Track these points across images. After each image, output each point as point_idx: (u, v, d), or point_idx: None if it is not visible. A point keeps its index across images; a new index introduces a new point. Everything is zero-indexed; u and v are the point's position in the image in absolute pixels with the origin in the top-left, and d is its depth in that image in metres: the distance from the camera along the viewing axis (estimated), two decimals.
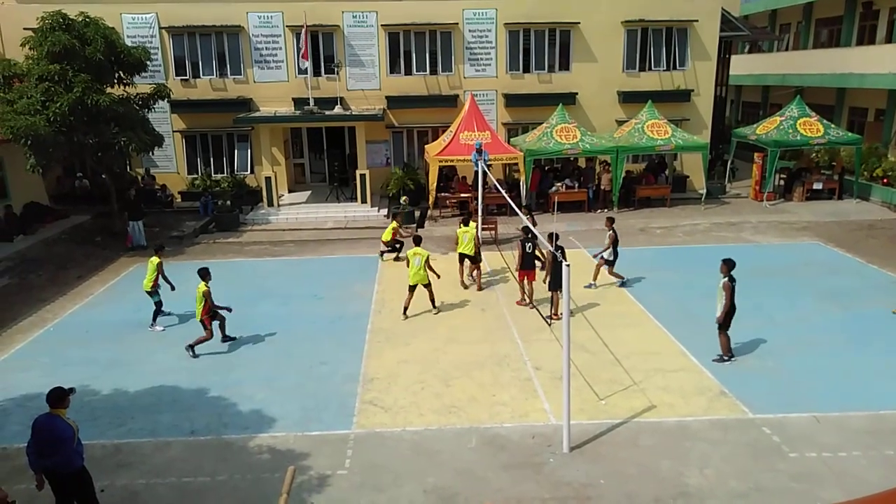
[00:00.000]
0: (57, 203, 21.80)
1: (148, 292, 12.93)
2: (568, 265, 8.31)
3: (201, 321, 11.60)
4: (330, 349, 11.91)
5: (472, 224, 15.00)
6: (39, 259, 17.24)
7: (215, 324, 11.95)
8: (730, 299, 10.70)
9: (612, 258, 14.59)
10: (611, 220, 14.74)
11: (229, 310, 12.06)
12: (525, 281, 13.72)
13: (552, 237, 12.41)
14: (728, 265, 10.78)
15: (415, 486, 8.07)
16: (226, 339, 12.22)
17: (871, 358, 11.09)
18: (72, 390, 7.21)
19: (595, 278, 14.79)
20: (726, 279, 10.74)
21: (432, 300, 13.54)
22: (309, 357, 11.62)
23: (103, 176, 19.62)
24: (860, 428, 9.08)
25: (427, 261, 13.28)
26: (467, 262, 15.02)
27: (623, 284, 14.82)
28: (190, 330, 12.78)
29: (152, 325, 13.02)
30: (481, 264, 15.27)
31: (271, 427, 9.41)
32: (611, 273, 14.79)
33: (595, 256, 14.79)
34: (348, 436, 9.17)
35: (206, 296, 11.51)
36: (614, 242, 14.47)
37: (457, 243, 15.09)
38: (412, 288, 13.31)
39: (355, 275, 16.10)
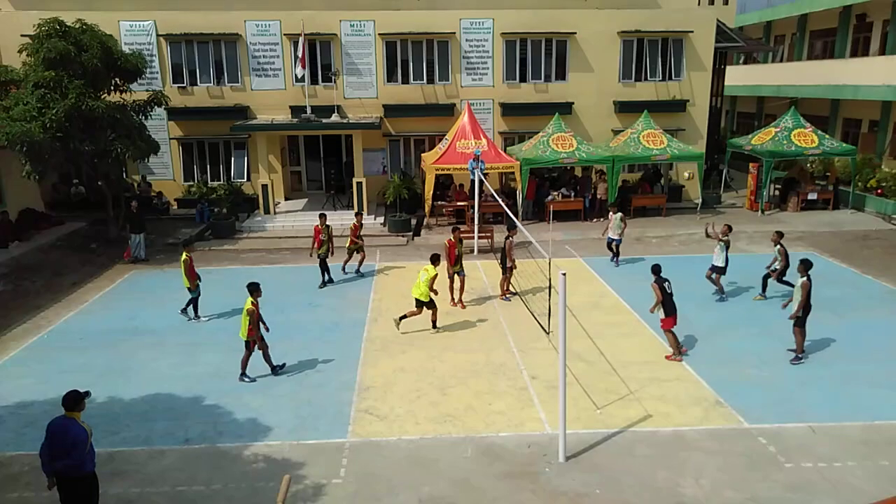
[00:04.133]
0: (53, 210, 21.76)
1: (188, 289, 13.45)
2: (564, 273, 8.32)
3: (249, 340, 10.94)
4: (326, 357, 11.88)
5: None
6: (34, 266, 17.18)
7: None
8: (806, 297, 11.16)
9: (780, 268, 14.43)
10: (780, 234, 14.48)
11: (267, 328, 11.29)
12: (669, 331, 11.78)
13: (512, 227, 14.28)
14: (805, 265, 11.33)
15: (410, 496, 8.04)
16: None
17: (866, 368, 11.11)
18: (87, 394, 7.21)
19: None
20: (805, 279, 11.19)
21: (406, 315, 12.98)
22: (304, 365, 11.59)
23: (99, 183, 19.59)
24: (855, 438, 9.10)
25: (432, 282, 12.59)
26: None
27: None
28: (190, 338, 12.76)
29: (195, 316, 13.64)
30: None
31: (266, 435, 9.38)
32: (779, 280, 14.52)
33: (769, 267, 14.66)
34: (344, 444, 9.13)
35: (251, 313, 10.76)
36: (786, 256, 14.24)
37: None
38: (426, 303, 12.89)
39: (351, 283, 16.09)
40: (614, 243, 17.13)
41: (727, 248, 14.47)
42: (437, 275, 12.80)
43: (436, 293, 13.02)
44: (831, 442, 9.02)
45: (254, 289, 10.99)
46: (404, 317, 12.95)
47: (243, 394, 10.57)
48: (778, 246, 14.22)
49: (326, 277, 15.92)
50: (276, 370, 11.24)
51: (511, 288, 14.92)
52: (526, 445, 9.06)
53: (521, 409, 10.05)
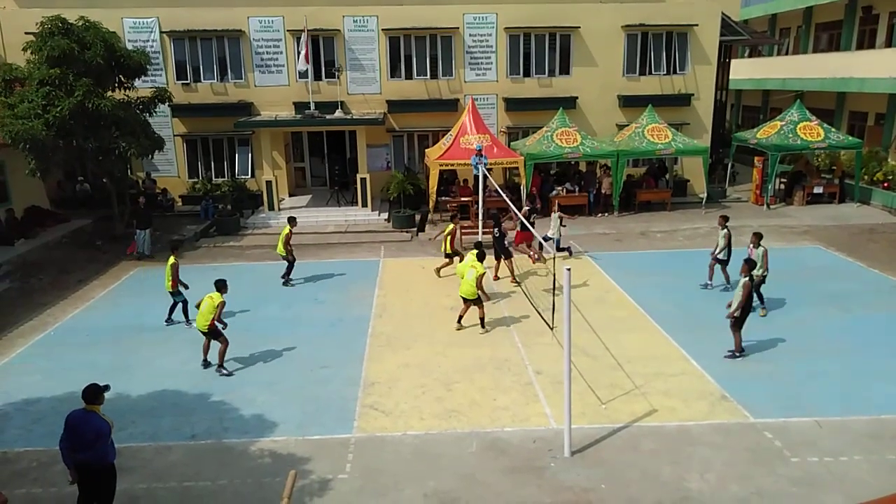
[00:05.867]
0: (58, 207, 21.81)
1: (171, 293, 13.22)
2: (568, 269, 8.30)
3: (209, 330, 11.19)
4: (331, 353, 11.91)
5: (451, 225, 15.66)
6: (40, 263, 17.25)
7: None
8: (747, 297, 11.01)
9: (726, 258, 14.43)
10: (724, 218, 14.53)
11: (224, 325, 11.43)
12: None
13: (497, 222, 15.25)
14: (749, 265, 11.27)
15: (415, 491, 8.06)
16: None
17: (872, 362, 11.07)
18: (107, 387, 7.28)
19: (710, 278, 14.72)
20: (746, 279, 11.05)
21: (481, 319, 12.83)
22: (310, 361, 11.62)
23: (104, 180, 19.64)
24: (862, 432, 9.07)
25: (480, 279, 12.50)
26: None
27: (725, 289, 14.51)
28: (195, 335, 12.78)
29: (187, 322, 13.27)
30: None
31: (272, 431, 9.41)
32: (724, 272, 14.61)
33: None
34: (349, 440, 9.16)
35: (221, 305, 11.13)
36: (729, 241, 14.15)
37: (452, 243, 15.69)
38: (465, 300, 12.73)
39: (356, 279, 16.11)
40: (551, 242, 16.31)
41: (729, 238, 14.36)
42: (484, 272, 12.73)
43: (487, 298, 13.33)
44: (837, 436, 8.99)
45: (221, 285, 11.27)
46: (460, 318, 12.93)
47: (249, 390, 10.61)
48: (759, 248, 13.12)
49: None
50: (206, 363, 11.35)
51: (514, 278, 15.23)
52: (531, 440, 9.06)
53: (525, 404, 10.05)
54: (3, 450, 9.06)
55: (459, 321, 12.90)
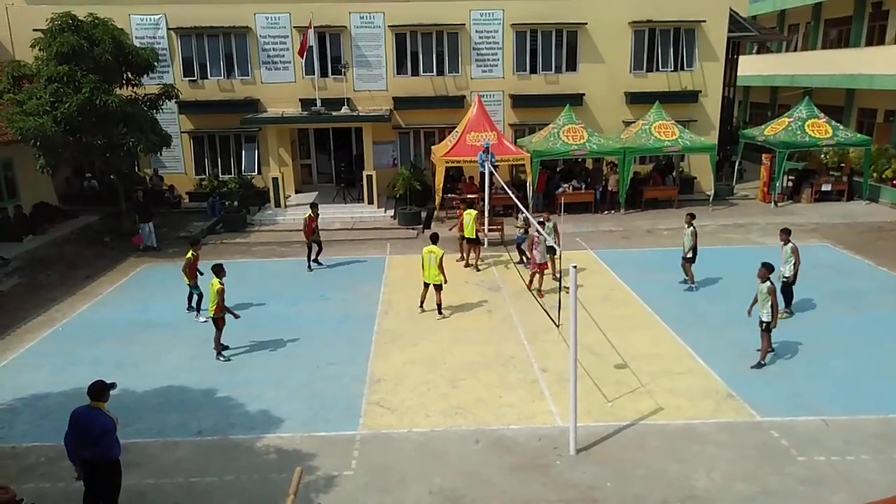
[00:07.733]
0: (66, 203, 21.93)
1: (189, 285, 13.55)
2: (574, 266, 8.30)
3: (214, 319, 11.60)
4: (337, 350, 11.94)
5: (474, 211, 16.56)
6: (49, 259, 17.33)
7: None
8: (776, 302, 10.83)
9: (692, 257, 14.41)
10: (691, 216, 14.56)
11: (236, 316, 11.82)
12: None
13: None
14: (768, 269, 10.88)
15: (421, 488, 8.07)
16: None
17: (880, 361, 11.01)
18: (113, 385, 7.35)
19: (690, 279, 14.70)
20: (768, 283, 10.78)
21: (439, 305, 13.44)
22: (316, 358, 11.65)
23: (111, 177, 19.70)
24: (869, 431, 9.03)
25: (440, 260, 13.12)
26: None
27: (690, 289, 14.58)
28: (202, 331, 12.83)
29: (197, 314, 13.57)
30: (480, 247, 16.82)
31: (278, 427, 9.44)
32: (689, 271, 14.64)
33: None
34: (355, 437, 9.18)
35: (220, 294, 11.43)
36: (695, 239, 14.06)
37: (461, 228, 16.54)
38: (427, 284, 13.43)
39: (362, 276, 16.13)
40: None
41: (695, 236, 14.30)
42: (443, 253, 13.26)
43: (445, 280, 13.48)
44: (844, 435, 8.95)
45: (218, 269, 11.65)
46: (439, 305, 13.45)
47: (255, 386, 10.65)
48: (790, 244, 12.74)
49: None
50: (219, 355, 11.67)
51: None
52: (536, 438, 9.06)
53: (531, 401, 10.05)
54: (11, 445, 9.13)
55: (422, 305, 13.60)
